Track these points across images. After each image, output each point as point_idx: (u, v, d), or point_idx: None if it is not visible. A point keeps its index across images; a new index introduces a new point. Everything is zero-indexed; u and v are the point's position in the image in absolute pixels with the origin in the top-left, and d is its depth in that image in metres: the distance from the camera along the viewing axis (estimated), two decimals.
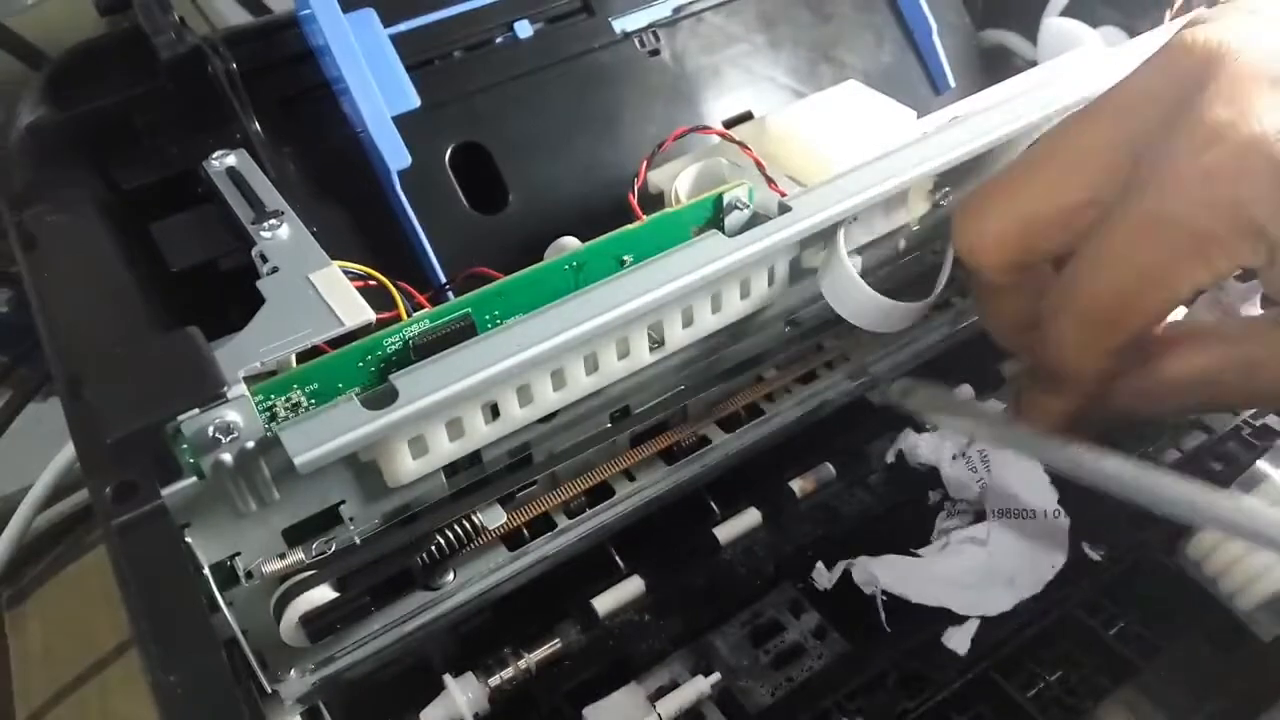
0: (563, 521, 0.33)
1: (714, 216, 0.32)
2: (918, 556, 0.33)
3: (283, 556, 0.28)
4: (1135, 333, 0.28)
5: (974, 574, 0.32)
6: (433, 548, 0.30)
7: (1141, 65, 0.28)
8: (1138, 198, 0.27)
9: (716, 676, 0.31)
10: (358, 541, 0.29)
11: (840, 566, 0.33)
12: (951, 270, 0.35)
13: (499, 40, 0.41)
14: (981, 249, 0.30)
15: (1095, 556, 0.32)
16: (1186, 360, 0.29)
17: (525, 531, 0.32)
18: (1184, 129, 0.26)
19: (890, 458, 0.37)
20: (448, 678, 0.30)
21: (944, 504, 0.35)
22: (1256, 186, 0.25)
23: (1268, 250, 0.26)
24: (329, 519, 0.28)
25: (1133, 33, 0.45)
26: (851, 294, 0.32)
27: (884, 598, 0.32)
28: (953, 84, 0.46)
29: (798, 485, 0.36)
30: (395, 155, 0.36)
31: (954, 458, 0.36)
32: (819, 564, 0.34)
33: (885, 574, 0.32)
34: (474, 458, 0.30)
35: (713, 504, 0.35)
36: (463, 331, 0.28)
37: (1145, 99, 0.28)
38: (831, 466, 0.36)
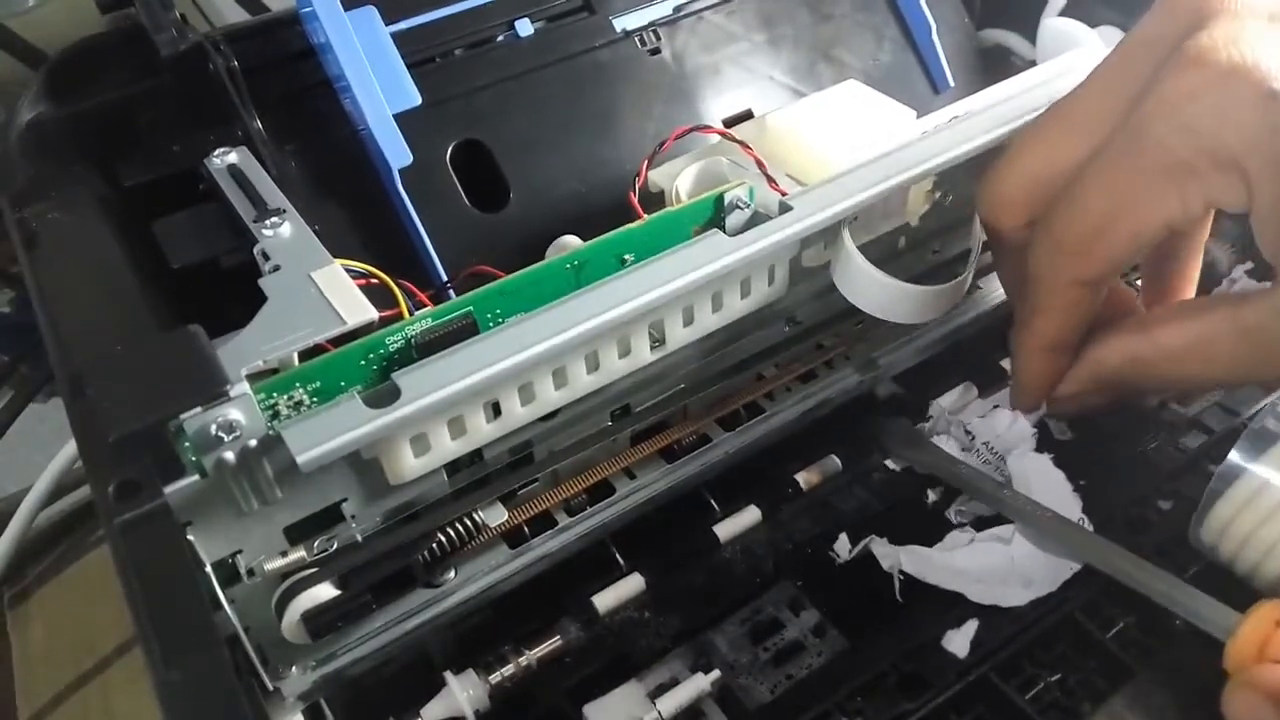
0: (563, 519, 0.33)
1: (715, 216, 0.32)
2: (955, 549, 0.33)
3: (284, 554, 0.28)
4: (1105, 266, 0.29)
5: (994, 571, 0.32)
6: (434, 545, 0.30)
7: (1142, 19, 0.28)
8: (1121, 127, 0.27)
9: (716, 674, 0.31)
10: (359, 539, 0.29)
11: (862, 544, 0.34)
12: (955, 269, 0.35)
13: (500, 38, 0.41)
14: (997, 208, 0.31)
15: None
16: (1182, 326, 0.29)
17: (526, 529, 0.32)
18: (1171, 57, 0.26)
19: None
20: (448, 675, 0.30)
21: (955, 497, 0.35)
22: (1233, 115, 0.25)
23: (1245, 188, 0.26)
24: (331, 517, 0.28)
25: None
26: (869, 285, 0.32)
27: (901, 576, 0.33)
28: (952, 83, 0.46)
29: (803, 478, 0.36)
30: (396, 153, 0.36)
31: (963, 450, 0.36)
32: (842, 535, 0.34)
33: (907, 557, 0.33)
34: (475, 456, 0.30)
35: (712, 501, 0.35)
36: (464, 330, 0.28)
37: (1144, 48, 0.28)
38: (837, 459, 0.36)
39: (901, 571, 0.33)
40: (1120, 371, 0.30)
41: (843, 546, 0.34)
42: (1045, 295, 0.30)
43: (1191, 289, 0.34)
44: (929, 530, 0.34)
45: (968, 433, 0.37)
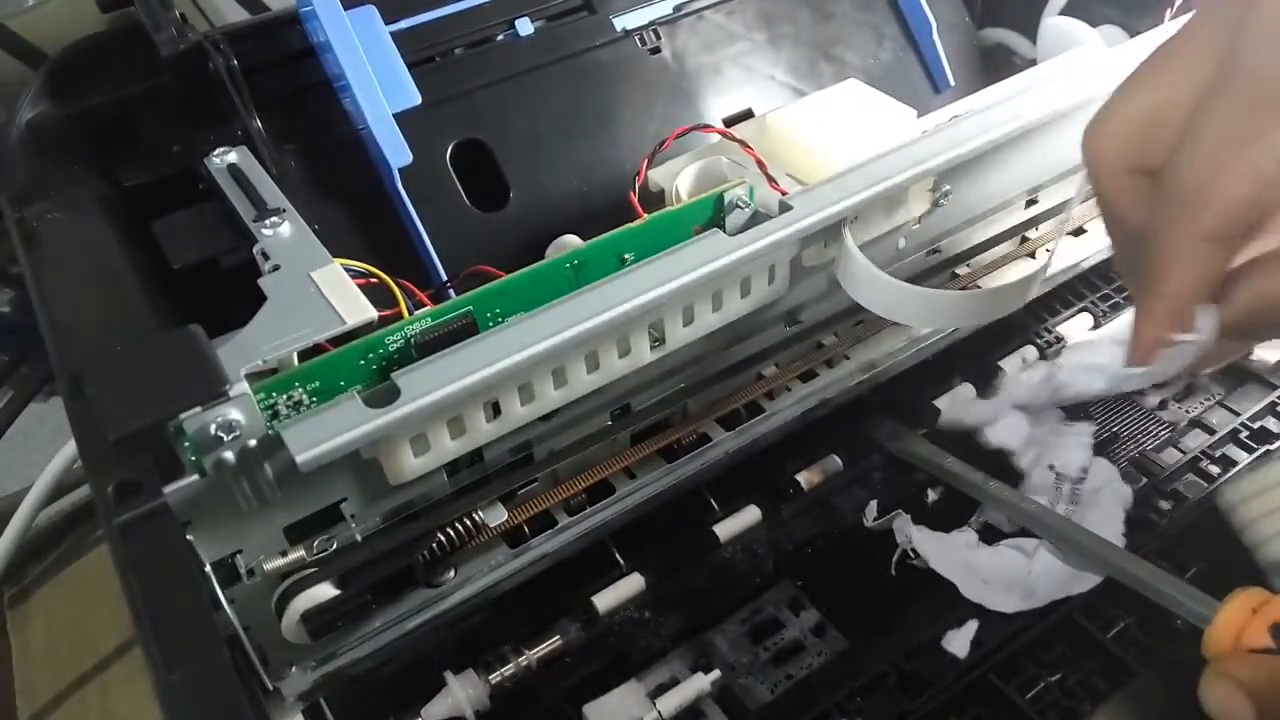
0: (563, 519, 0.33)
1: (715, 215, 0.32)
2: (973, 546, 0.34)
3: (284, 554, 0.28)
4: (1226, 214, 0.26)
5: (1000, 576, 0.32)
6: (434, 545, 0.30)
7: None
8: (1228, 62, 0.25)
9: (716, 674, 0.31)
10: (359, 539, 0.29)
11: (889, 516, 0.34)
12: (954, 269, 0.35)
13: (500, 38, 0.41)
14: (1105, 148, 0.29)
15: None
16: None
17: (526, 529, 0.32)
18: None
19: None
20: (449, 674, 0.30)
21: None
22: None
23: None
24: (330, 516, 0.28)
25: (1132, 32, 0.45)
26: (872, 284, 0.32)
27: (912, 555, 0.33)
28: (952, 82, 0.46)
29: (803, 478, 0.36)
30: (396, 153, 0.36)
31: (1050, 467, 0.36)
32: (872, 502, 0.35)
33: (921, 537, 0.33)
34: (475, 456, 0.30)
35: (712, 501, 0.35)
36: (464, 330, 0.28)
37: None
38: (838, 458, 0.36)
39: (912, 549, 0.33)
40: (1249, 311, 0.28)
41: (870, 514, 0.35)
42: (1166, 254, 0.28)
43: None
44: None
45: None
